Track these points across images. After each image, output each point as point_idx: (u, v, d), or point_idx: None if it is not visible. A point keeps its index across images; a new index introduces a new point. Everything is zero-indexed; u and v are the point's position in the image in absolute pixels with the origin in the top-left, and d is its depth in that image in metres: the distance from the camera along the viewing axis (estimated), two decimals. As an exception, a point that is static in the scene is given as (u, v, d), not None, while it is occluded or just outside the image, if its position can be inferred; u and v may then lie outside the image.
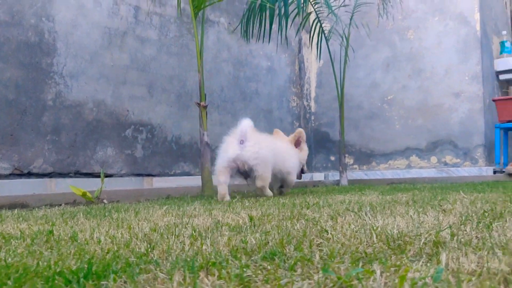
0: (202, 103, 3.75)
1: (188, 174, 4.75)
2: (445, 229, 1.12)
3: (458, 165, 5.38)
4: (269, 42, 5.46)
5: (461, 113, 5.38)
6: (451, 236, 1.05)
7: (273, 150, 3.25)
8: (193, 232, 1.26)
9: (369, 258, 0.87)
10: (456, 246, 0.96)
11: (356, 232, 1.14)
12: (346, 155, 6.08)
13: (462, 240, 1.01)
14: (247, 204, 2.14)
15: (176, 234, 1.25)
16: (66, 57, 3.82)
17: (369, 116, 6.03)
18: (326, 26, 5.43)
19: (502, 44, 5.88)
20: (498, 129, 5.08)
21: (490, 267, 0.77)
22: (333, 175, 5.97)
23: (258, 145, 3.13)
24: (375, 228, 1.16)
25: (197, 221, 1.53)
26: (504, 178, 4.78)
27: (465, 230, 1.14)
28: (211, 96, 5.01)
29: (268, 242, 1.06)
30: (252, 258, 0.90)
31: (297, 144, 3.56)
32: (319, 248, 0.98)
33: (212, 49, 5.09)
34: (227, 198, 2.99)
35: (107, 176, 4.01)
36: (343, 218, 1.42)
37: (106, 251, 1.02)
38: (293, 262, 0.85)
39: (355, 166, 6.14)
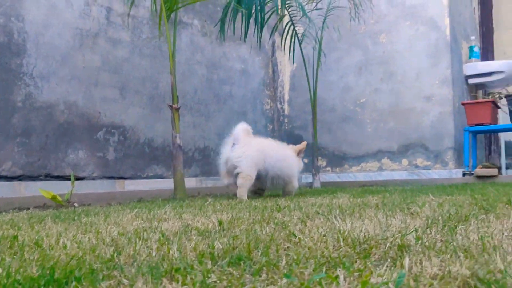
0: (175, 105, 3.73)
1: (160, 177, 4.72)
2: (410, 232, 1.13)
3: (428, 167, 5.47)
4: (245, 40, 5.49)
5: (432, 116, 5.47)
6: (416, 239, 1.06)
7: (265, 152, 3.37)
8: (161, 236, 1.25)
9: (334, 262, 0.88)
10: (420, 249, 0.97)
11: (323, 236, 1.15)
12: (319, 158, 6.13)
13: (427, 243, 1.02)
14: (218, 208, 2.14)
15: (144, 238, 1.24)
16: (36, 58, 3.76)
17: (342, 119, 6.08)
18: (300, 29, 5.47)
19: (470, 49, 6.00)
20: (467, 132, 5.18)
21: (452, 270, 0.79)
22: (306, 178, 6.00)
23: (246, 146, 3.25)
24: (342, 232, 1.17)
25: (166, 225, 1.52)
26: (473, 180, 4.87)
27: (430, 234, 1.15)
28: (184, 99, 4.99)
29: (236, 247, 1.05)
30: (218, 264, 0.89)
31: (298, 154, 3.72)
32: (286, 252, 0.99)
33: (186, 51, 5.07)
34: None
35: (78, 179, 3.96)
36: (313, 221, 1.43)
37: (70, 256, 1.01)
38: (258, 267, 0.85)
39: (328, 168, 6.19)
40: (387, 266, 0.85)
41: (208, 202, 2.52)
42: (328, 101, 6.15)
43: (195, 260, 0.93)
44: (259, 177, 3.35)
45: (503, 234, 1.11)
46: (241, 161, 3.21)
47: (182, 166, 3.64)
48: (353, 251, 0.99)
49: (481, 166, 5.06)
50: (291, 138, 6.44)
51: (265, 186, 3.56)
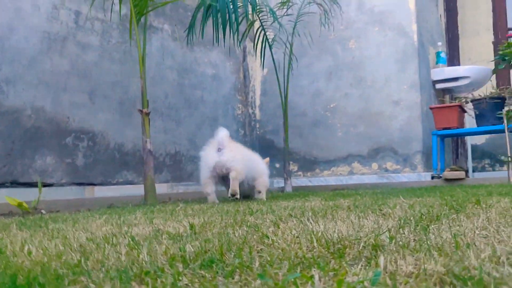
0: (145, 110, 3.69)
1: (131, 182, 4.66)
2: (384, 232, 1.14)
3: (398, 171, 5.54)
4: (217, 44, 5.48)
5: (400, 120, 5.55)
6: (389, 239, 1.07)
7: (249, 158, 3.63)
8: (131, 241, 1.22)
9: (308, 263, 0.87)
10: (394, 249, 0.97)
11: (297, 237, 1.14)
12: (291, 162, 6.14)
13: (400, 242, 1.03)
14: (190, 212, 2.11)
15: (114, 243, 1.21)
16: (1, 62, 3.66)
17: (313, 124, 6.11)
18: (270, 34, 5.49)
19: (437, 54, 6.12)
20: (435, 136, 5.27)
21: (427, 268, 0.79)
22: (278, 182, 6.01)
23: (234, 151, 3.41)
24: (315, 233, 1.16)
25: (136, 230, 1.49)
26: (441, 183, 4.95)
27: (404, 233, 1.16)
28: (155, 103, 4.94)
29: (208, 250, 1.04)
30: (190, 267, 0.88)
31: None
32: (259, 254, 0.98)
33: (156, 55, 5.03)
34: (216, 202, 3.31)
35: (47, 185, 3.87)
36: (286, 224, 1.42)
37: (35, 263, 0.98)
38: (231, 269, 0.83)
39: (300, 173, 6.21)
40: (362, 265, 0.85)
41: (179, 207, 2.48)
42: (299, 105, 6.18)
43: (166, 263, 0.91)
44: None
45: (474, 232, 1.12)
46: (234, 162, 3.33)
47: (152, 171, 3.59)
48: (327, 252, 0.98)
49: (449, 169, 5.15)
50: (262, 143, 6.46)
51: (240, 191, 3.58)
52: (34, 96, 3.87)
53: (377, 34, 5.76)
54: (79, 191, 4.18)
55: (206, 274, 0.82)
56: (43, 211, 3.00)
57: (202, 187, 3.46)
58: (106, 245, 1.18)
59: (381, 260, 0.85)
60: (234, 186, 3.27)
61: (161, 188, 4.93)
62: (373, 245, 1.01)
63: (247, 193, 3.81)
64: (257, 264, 0.88)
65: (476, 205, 1.69)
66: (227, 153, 3.38)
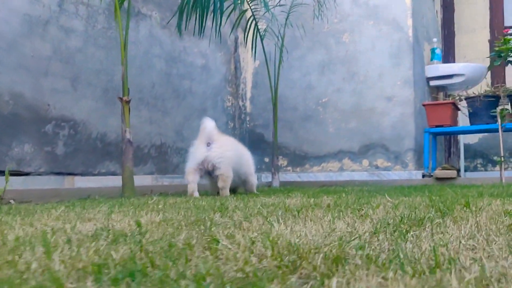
0: (125, 98, 3.55)
1: (113, 173, 4.52)
2: (352, 240, 0.99)
3: (389, 168, 5.44)
4: (203, 34, 5.34)
5: (393, 117, 5.44)
6: (358, 249, 0.91)
7: (237, 152, 3.54)
8: (44, 243, 1.06)
9: (243, 283, 0.72)
10: (359, 263, 0.82)
11: (252, 243, 0.99)
12: (281, 157, 6.03)
13: (370, 253, 0.88)
14: (160, 207, 1.97)
15: (32, 246, 1.04)
16: (-22, 44, 3.51)
17: (304, 118, 5.99)
18: (263, 25, 5.36)
19: (432, 51, 6.01)
20: (427, 133, 5.16)
21: None
22: (267, 177, 5.89)
23: (224, 147, 3.33)
24: (275, 237, 1.02)
25: (82, 227, 1.35)
26: (432, 182, 4.85)
27: (377, 241, 1.02)
28: (141, 93, 4.81)
29: (141, 258, 0.89)
30: (103, 280, 0.74)
31: None
32: (196, 264, 0.83)
33: (144, 43, 4.88)
34: (196, 194, 3.29)
35: (24, 174, 3.74)
36: (250, 223, 1.28)
37: None
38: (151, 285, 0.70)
39: (289, 168, 6.10)
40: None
41: (152, 201, 2.35)
42: (290, 99, 6.05)
43: (74, 274, 0.77)
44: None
45: (460, 242, 0.97)
46: (221, 163, 3.27)
47: (131, 162, 3.46)
48: (278, 263, 0.83)
49: (441, 168, 5.05)
50: (252, 137, 6.33)
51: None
52: (12, 81, 3.72)
53: (372, 28, 5.64)
54: (59, 181, 4.04)
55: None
56: (11, 201, 2.87)
57: (185, 175, 3.43)
58: (30, 246, 1.03)
59: (334, 283, 0.69)
60: (226, 195, 3.24)
61: (145, 180, 4.81)
62: (335, 258, 0.85)
63: (237, 186, 3.79)
64: (186, 279, 0.74)
65: (465, 208, 1.56)
66: (216, 148, 3.32)
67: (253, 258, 0.87)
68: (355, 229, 1.16)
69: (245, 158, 3.73)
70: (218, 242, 0.98)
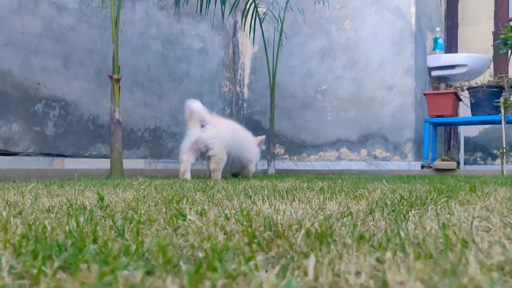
0: (115, 76, 3.43)
1: (106, 156, 4.40)
2: (344, 216, 0.86)
3: (387, 159, 5.33)
4: (206, 14, 5.22)
5: (393, 106, 5.32)
6: (352, 227, 0.77)
7: (232, 134, 3.41)
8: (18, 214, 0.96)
9: (213, 257, 0.58)
10: (349, 241, 0.68)
11: (228, 219, 0.87)
12: (278, 145, 5.92)
13: (363, 232, 0.74)
14: (142, 187, 1.85)
15: None
16: (-35, 18, 3.39)
17: (302, 106, 5.87)
18: (263, 9, 5.23)
19: (435, 40, 5.88)
20: (428, 123, 5.04)
21: (391, 280, 0.49)
22: (263, 164, 5.78)
23: (217, 128, 3.25)
24: (248, 214, 0.89)
25: (47, 201, 1.23)
26: (431, 173, 4.75)
27: (373, 219, 0.88)
28: (136, 75, 4.68)
29: (86, 235, 0.76)
30: (23, 251, 0.62)
31: (258, 144, 3.84)
32: (143, 242, 0.69)
33: (140, 24, 4.75)
34: (188, 175, 3.25)
35: (11, 154, 3.63)
36: (231, 202, 1.16)
37: None
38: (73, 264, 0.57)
39: (286, 156, 5.99)
40: (282, 267, 0.56)
41: (138, 182, 2.24)
42: (289, 86, 5.93)
43: None
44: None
45: (471, 223, 0.81)
46: (214, 143, 3.21)
47: (120, 143, 3.35)
48: (250, 241, 0.70)
49: (440, 160, 4.95)
50: (249, 123, 6.21)
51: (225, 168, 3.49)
52: (0, 58, 3.60)
53: (374, 15, 5.50)
54: (47, 162, 3.93)
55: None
56: (-8, 179, 2.76)
57: (180, 155, 3.39)
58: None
59: (311, 263, 0.54)
60: (217, 178, 3.17)
61: (138, 164, 4.70)
62: (319, 235, 0.71)
63: (238, 172, 3.74)
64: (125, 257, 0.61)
65: (470, 192, 1.44)
66: (209, 129, 3.24)
67: (220, 235, 0.74)
68: (348, 209, 1.03)
69: (246, 143, 3.63)
70: (185, 217, 0.86)
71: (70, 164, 4.07)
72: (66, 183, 2.08)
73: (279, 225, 0.75)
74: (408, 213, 0.95)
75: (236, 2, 4.96)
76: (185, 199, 1.21)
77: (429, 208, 1.01)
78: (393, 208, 1.02)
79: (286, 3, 5.01)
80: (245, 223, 0.78)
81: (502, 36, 4.18)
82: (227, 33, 5.98)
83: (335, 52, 5.69)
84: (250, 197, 1.27)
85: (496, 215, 0.92)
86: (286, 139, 5.97)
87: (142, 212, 0.97)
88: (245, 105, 6.30)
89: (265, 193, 1.37)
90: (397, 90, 5.30)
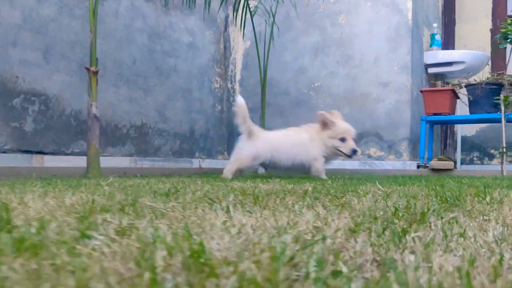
0: (92, 68, 3.23)
1: (88, 154, 4.21)
2: (310, 244, 0.62)
3: (382, 158, 5.16)
4: (193, 7, 5.03)
5: (388, 104, 5.15)
6: (317, 265, 0.51)
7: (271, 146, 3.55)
8: None
9: None
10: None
11: (148, 244, 0.65)
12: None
13: (335, 271, 0.50)
14: (104, 189, 1.64)
15: None
16: None
17: (295, 103, 5.70)
18: (254, 2, 5.05)
19: (432, 36, 5.71)
20: (424, 122, 4.87)
21: None
22: (254, 163, 5.59)
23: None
24: (190, 235, 0.68)
25: None
26: (428, 173, 4.58)
27: (354, 247, 0.64)
28: (121, 69, 4.49)
29: None
30: None
31: (324, 127, 3.57)
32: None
33: (125, 15, 4.56)
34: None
35: (-14, 151, 3.43)
36: (185, 211, 0.96)
37: None
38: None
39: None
40: None
41: (106, 182, 2.04)
42: (281, 83, 5.75)
43: None
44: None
45: (502, 256, 0.56)
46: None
47: (98, 140, 3.17)
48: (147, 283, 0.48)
49: (437, 159, 4.78)
50: (240, 121, 6.03)
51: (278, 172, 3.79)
52: (-25, 48, 3.41)
53: (369, 9, 5.32)
54: (26, 159, 3.73)
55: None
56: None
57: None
58: None
59: None
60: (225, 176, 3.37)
61: (123, 162, 4.51)
62: (256, 282, 0.47)
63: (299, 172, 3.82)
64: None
65: (478, 199, 1.25)
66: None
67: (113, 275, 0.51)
68: (327, 224, 0.81)
69: (288, 147, 3.63)
70: (89, 239, 0.65)
71: (50, 161, 3.88)
72: (22, 183, 1.88)
73: (211, 258, 0.54)
74: (405, 235, 0.72)
75: (227, -5, 4.78)
76: (131, 207, 1.02)
77: (432, 224, 0.81)
78: (384, 226, 0.79)
79: (278, -4, 4.83)
80: (165, 255, 0.57)
81: (503, 30, 4.01)
82: (218, 28, 5.79)
83: (328, 47, 5.52)
84: (211, 204, 1.08)
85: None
86: (278, 137, 5.78)
87: (49, 228, 0.76)
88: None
89: (230, 199, 1.17)
90: (392, 87, 5.13)
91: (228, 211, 0.94)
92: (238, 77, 6.12)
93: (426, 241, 0.66)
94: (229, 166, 3.49)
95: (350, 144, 3.51)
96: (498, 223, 0.81)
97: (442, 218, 0.87)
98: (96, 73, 3.24)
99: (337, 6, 5.49)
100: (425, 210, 0.92)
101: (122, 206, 1.02)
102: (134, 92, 4.64)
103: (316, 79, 5.57)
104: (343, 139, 3.51)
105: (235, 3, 4.88)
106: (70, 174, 3.28)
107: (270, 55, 5.20)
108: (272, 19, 4.84)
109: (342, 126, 3.58)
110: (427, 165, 4.73)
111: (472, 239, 0.67)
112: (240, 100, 3.55)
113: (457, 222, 0.82)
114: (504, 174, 4.11)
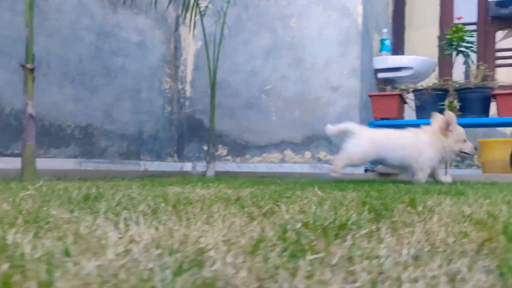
0: (28, 65, 3.10)
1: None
2: (191, 267, 0.54)
3: (331, 162, 5.18)
4: (140, 5, 4.93)
5: (338, 107, 5.19)
6: None
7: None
8: None
9: None
10: None
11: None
12: (220, 146, 5.70)
13: None
14: (22, 195, 1.52)
15: None
16: None
17: (247, 106, 5.66)
18: (205, 2, 4.99)
19: (382, 42, 5.80)
20: (372, 126, 4.93)
21: None
22: (204, 166, 5.53)
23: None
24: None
25: None
26: (375, 177, 4.64)
27: (240, 270, 0.56)
28: (66, 67, 4.34)
29: None
30: None
31: (446, 129, 3.55)
32: None
33: (71, 12, 4.41)
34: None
35: None
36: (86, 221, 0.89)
37: None
38: None
39: (229, 157, 5.76)
40: None
41: (34, 186, 1.93)
42: (233, 85, 5.70)
43: None
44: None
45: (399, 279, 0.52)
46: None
47: (34, 140, 3.03)
48: None
49: (384, 163, 4.83)
50: (191, 123, 5.96)
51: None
52: None
53: (321, 13, 5.35)
54: (-41, 160, 3.55)
55: None
56: None
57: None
58: None
59: None
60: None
61: (67, 164, 4.35)
62: None
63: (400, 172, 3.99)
64: None
65: (409, 208, 1.22)
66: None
67: None
68: (228, 242, 0.72)
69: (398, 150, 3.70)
70: None
71: (-14, 163, 3.70)
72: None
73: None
74: (305, 256, 0.63)
75: (177, -6, 4.70)
76: (30, 216, 0.94)
77: (347, 238, 0.75)
78: (292, 241, 0.71)
79: (229, -3, 4.79)
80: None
81: (448, 37, 4.10)
82: (169, 27, 5.69)
83: (280, 50, 5.51)
84: (118, 215, 1.01)
85: (440, 249, 0.68)
86: (229, 140, 5.74)
87: None
88: (187, 103, 6.03)
89: (141, 209, 1.10)
90: (342, 91, 5.17)
91: (126, 225, 0.87)
92: (189, 78, 6.04)
93: (328, 263, 0.60)
94: (338, 162, 3.70)
95: (470, 144, 3.62)
96: (418, 240, 0.76)
97: (361, 229, 0.82)
98: (32, 70, 3.10)
99: (289, 9, 5.49)
100: (345, 223, 0.87)
101: (16, 218, 0.93)
102: (80, 92, 4.50)
103: (267, 82, 5.56)
104: (464, 140, 3.62)
105: (184, 2, 4.80)
106: (7, 177, 3.12)
107: (221, 56, 5.15)
108: (222, 20, 4.79)
109: (460, 128, 3.63)
110: (375, 169, 4.79)
111: (383, 259, 0.61)
112: (329, 129, 3.88)
113: (377, 236, 0.78)
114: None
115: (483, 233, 0.82)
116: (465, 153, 3.61)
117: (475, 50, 4.77)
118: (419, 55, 5.83)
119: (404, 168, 3.75)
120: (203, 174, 4.94)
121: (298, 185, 2.44)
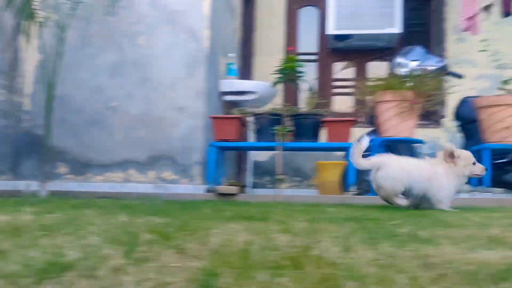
0: None
1: None
2: None
3: (176, 181, 5.21)
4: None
5: (183, 128, 5.24)
6: None
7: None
8: None
9: None
10: None
11: None
12: (62, 163, 5.43)
13: None
14: None
15: None
16: None
17: (90, 122, 5.47)
18: (49, 13, 4.77)
19: (228, 66, 6.00)
20: (214, 147, 5.06)
21: None
22: (42, 185, 5.21)
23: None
24: None
25: None
26: (214, 197, 4.74)
27: None
28: None
29: None
30: None
31: (450, 159, 3.57)
32: None
33: None
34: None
35: None
36: None
37: None
38: None
39: (70, 176, 5.50)
40: None
41: None
42: (76, 100, 5.48)
43: None
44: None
45: None
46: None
47: None
48: None
49: (228, 184, 4.99)
50: (30, 139, 5.58)
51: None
52: None
53: (169, 34, 5.40)
54: None
55: None
56: None
57: None
58: None
59: None
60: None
61: None
62: None
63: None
64: None
65: (191, 235, 1.23)
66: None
67: None
68: None
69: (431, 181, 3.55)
70: None
71: None
72: None
73: None
74: None
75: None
76: None
77: (103, 273, 0.70)
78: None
79: (71, 10, 4.62)
80: None
81: (282, 66, 4.39)
82: (6, 36, 5.33)
83: (127, 67, 5.44)
84: None
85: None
86: (71, 157, 5.48)
87: None
88: (26, 117, 5.64)
89: None
90: (187, 112, 5.24)
91: None
92: (29, 90, 5.67)
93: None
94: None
95: (481, 167, 3.65)
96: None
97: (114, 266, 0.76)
98: None
99: (138, 27, 5.45)
100: (104, 257, 0.79)
101: None
102: None
103: (113, 99, 5.44)
104: (474, 163, 3.62)
105: (18, 10, 4.52)
106: None
107: (64, 70, 4.94)
108: (60, 33, 4.61)
109: (466, 152, 3.66)
110: (216, 189, 4.91)
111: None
112: (360, 164, 3.61)
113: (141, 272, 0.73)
114: (275, 199, 4.43)
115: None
116: (477, 174, 3.72)
117: (306, 79, 5.18)
118: (267, 81, 6.14)
119: (420, 200, 3.60)
120: (33, 195, 4.65)
121: (119, 208, 2.40)
